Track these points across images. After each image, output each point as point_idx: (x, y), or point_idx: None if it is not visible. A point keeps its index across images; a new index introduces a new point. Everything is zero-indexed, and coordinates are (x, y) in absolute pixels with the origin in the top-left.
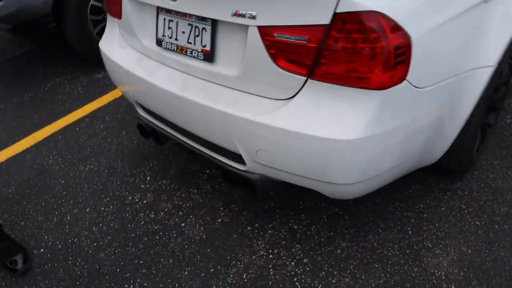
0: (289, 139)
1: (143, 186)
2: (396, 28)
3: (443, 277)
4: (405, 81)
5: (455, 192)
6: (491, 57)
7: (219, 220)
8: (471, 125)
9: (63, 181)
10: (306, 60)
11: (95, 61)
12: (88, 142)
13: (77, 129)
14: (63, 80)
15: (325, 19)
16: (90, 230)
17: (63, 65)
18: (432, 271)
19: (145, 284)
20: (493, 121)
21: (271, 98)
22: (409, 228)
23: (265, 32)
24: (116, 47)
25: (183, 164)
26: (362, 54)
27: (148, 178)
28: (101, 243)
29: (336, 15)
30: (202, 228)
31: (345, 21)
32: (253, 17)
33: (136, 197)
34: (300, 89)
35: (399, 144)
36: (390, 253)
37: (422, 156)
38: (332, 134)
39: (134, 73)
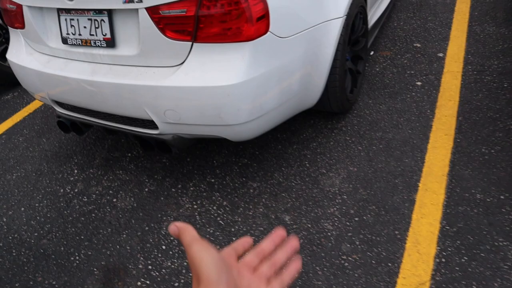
0: (187, 94)
1: (71, 178)
2: None
3: (337, 191)
4: (269, 33)
5: (340, 128)
6: (339, 11)
7: (146, 190)
8: (337, 68)
9: None
10: (188, 28)
11: (2, 85)
12: (10, 154)
13: None
14: None
15: None
16: (28, 224)
17: None
18: (328, 189)
19: (89, 253)
20: (362, 69)
21: (168, 66)
22: (306, 162)
23: (152, 11)
24: (24, 55)
25: (105, 153)
26: (230, 15)
27: (76, 171)
28: (41, 231)
29: None
30: (132, 199)
31: None
32: (141, 1)
33: (67, 189)
34: (189, 52)
35: (276, 85)
36: (293, 183)
37: (301, 98)
38: (219, 82)
39: (46, 72)
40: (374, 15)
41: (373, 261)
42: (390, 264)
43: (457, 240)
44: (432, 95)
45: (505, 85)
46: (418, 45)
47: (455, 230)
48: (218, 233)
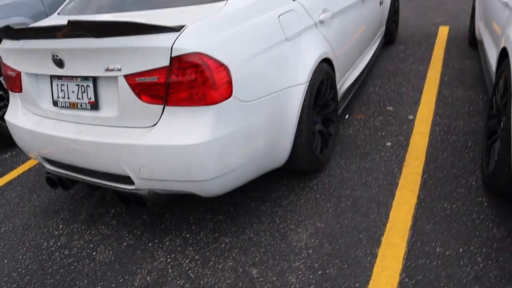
0: (159, 152)
1: (56, 232)
2: (215, 61)
3: (303, 246)
4: (232, 97)
5: (311, 187)
6: (301, 78)
7: (125, 244)
8: (303, 130)
9: None
10: (160, 93)
11: (2, 144)
12: (0, 210)
13: None
14: None
15: (166, 63)
16: (9, 276)
17: None
18: (295, 244)
19: None
20: (334, 131)
21: (143, 127)
22: (277, 219)
23: (129, 78)
24: (20, 115)
25: (91, 209)
26: (196, 82)
27: (61, 225)
28: (20, 283)
29: (172, 59)
30: (111, 252)
31: (180, 61)
32: (119, 70)
33: (51, 242)
34: (161, 115)
35: (241, 145)
36: (263, 239)
37: (268, 158)
38: (187, 141)
39: (38, 131)
40: (346, 81)
41: None
42: None
43: None
44: (400, 154)
45: (469, 144)
46: (391, 108)
47: (413, 282)
48: (187, 285)
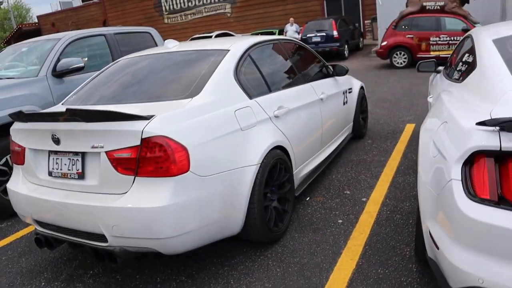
0: (128, 213)
1: None
2: (175, 143)
3: None
4: (189, 171)
5: (266, 255)
6: (253, 160)
7: None
8: (255, 204)
9: None
10: (132, 166)
11: (0, 215)
12: None
13: None
14: None
15: (137, 142)
16: None
17: None
18: None
19: None
20: (290, 209)
21: (117, 193)
22: (231, 280)
23: (109, 154)
24: (20, 184)
25: (72, 270)
26: (160, 158)
27: (43, 283)
28: None
29: (142, 140)
30: None
31: (148, 142)
32: (102, 147)
33: None
34: (132, 183)
35: (195, 211)
36: None
37: (222, 225)
38: (150, 204)
39: (33, 196)
40: (306, 167)
41: None
42: None
43: None
44: (348, 229)
45: (410, 221)
46: (348, 192)
47: None
48: None
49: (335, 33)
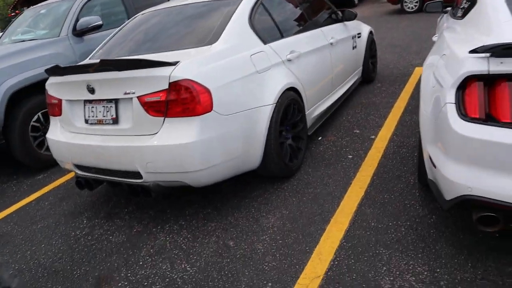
0: (161, 150)
1: (81, 226)
2: (199, 85)
3: (270, 226)
4: (213, 111)
5: (282, 188)
6: (269, 100)
7: (135, 230)
8: (271, 141)
9: (21, 236)
10: (162, 108)
11: (36, 168)
12: (37, 213)
13: (27, 208)
14: (10, 185)
15: (165, 86)
16: (46, 254)
17: (8, 175)
18: (264, 225)
19: (88, 269)
20: (304, 146)
21: (149, 134)
22: (252, 209)
23: (141, 99)
24: (59, 133)
25: (108, 210)
26: (186, 100)
27: (85, 221)
28: (54, 257)
29: (170, 84)
30: (123, 236)
31: (175, 85)
32: (134, 93)
33: (77, 232)
34: (163, 124)
35: (220, 146)
36: (240, 222)
37: (244, 159)
38: (180, 141)
39: (71, 142)
40: (317, 108)
41: (285, 265)
42: (297, 267)
43: (349, 250)
44: (358, 163)
45: (415, 154)
46: (358, 131)
47: (349, 245)
48: (180, 253)
49: None
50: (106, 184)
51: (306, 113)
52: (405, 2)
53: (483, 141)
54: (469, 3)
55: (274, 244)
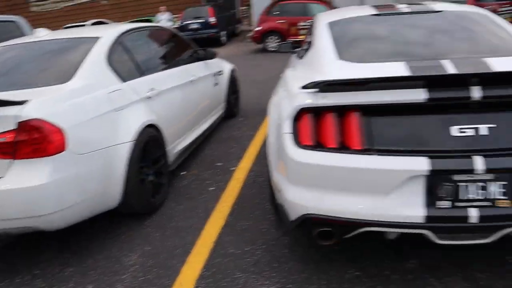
0: (7, 195)
1: None
2: (51, 124)
3: (132, 264)
4: (67, 150)
5: (146, 224)
6: (127, 137)
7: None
8: (131, 178)
9: None
10: (9, 150)
11: None
12: None
13: None
14: None
15: (13, 126)
16: None
17: None
18: (126, 263)
19: None
20: (166, 181)
21: None
22: (113, 249)
23: None
24: None
25: None
26: (37, 140)
27: None
28: None
29: (19, 124)
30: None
31: (25, 125)
32: None
33: None
34: (10, 165)
35: (76, 186)
36: (100, 264)
37: (102, 198)
38: (30, 184)
39: None
40: (179, 144)
41: None
42: None
43: (209, 279)
44: (219, 194)
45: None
46: (220, 163)
47: (210, 273)
48: None
49: (212, 19)
50: None
51: (168, 148)
52: (267, 42)
53: (314, 165)
54: (308, 45)
55: (135, 282)
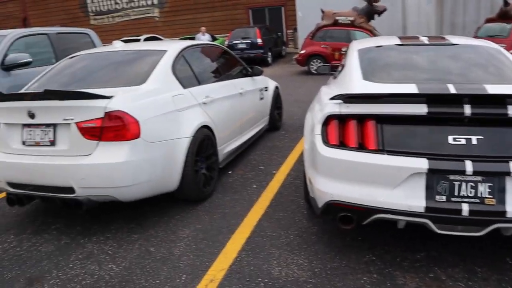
0: (95, 167)
1: (8, 240)
2: (130, 116)
3: (185, 236)
4: (140, 138)
5: (197, 208)
6: (187, 133)
7: (63, 242)
8: (188, 168)
9: None
10: (97, 133)
11: None
12: None
13: None
14: None
15: (101, 115)
16: None
17: None
18: (180, 235)
19: (19, 272)
20: (215, 175)
21: (84, 155)
22: (171, 225)
23: (78, 124)
24: None
25: (36, 227)
26: (119, 127)
27: (12, 236)
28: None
29: (105, 113)
30: (52, 246)
31: (110, 114)
32: (72, 119)
33: (5, 245)
34: (97, 146)
35: (145, 167)
36: (160, 234)
37: (164, 180)
38: (112, 160)
39: (5, 161)
40: (228, 146)
41: (197, 262)
42: (207, 263)
43: (249, 251)
44: (260, 191)
45: None
46: (262, 167)
47: (249, 248)
48: (107, 257)
49: (259, 40)
50: (38, 201)
51: (218, 148)
52: (311, 64)
53: (338, 160)
54: (342, 68)
55: (188, 249)
